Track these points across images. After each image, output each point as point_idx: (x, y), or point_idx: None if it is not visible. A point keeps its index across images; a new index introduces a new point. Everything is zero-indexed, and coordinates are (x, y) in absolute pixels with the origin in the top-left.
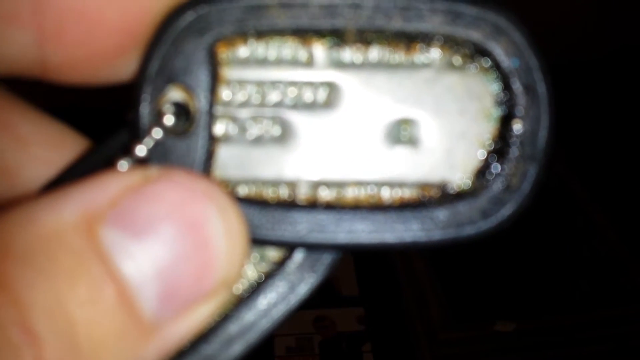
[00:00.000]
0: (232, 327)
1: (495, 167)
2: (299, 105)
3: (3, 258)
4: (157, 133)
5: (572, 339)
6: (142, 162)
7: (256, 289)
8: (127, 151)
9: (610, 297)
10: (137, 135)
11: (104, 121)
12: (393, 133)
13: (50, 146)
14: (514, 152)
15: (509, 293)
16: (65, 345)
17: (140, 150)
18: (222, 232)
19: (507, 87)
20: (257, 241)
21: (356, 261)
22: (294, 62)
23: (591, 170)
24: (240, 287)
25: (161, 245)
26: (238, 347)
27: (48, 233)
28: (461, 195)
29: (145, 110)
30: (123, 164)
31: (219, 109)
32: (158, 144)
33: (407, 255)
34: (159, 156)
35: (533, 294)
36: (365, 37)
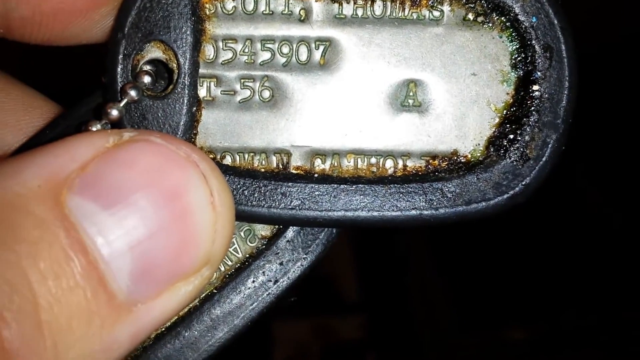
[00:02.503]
0: (216, 310)
1: (511, 135)
2: (292, 65)
3: None
4: (133, 93)
5: (585, 343)
6: (116, 125)
7: (243, 268)
8: (100, 113)
9: (628, 300)
10: (111, 96)
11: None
12: (398, 97)
13: (19, 112)
14: (532, 118)
15: (520, 298)
16: (26, 323)
17: (114, 111)
18: (205, 202)
19: (525, 46)
20: (245, 216)
21: (358, 264)
22: (288, 17)
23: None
24: (225, 266)
25: (135, 217)
26: (223, 332)
27: (10, 200)
28: (472, 167)
29: (120, 68)
30: (95, 127)
31: (202, 69)
32: (134, 105)
33: (413, 257)
34: (136, 119)
35: (545, 299)
36: None
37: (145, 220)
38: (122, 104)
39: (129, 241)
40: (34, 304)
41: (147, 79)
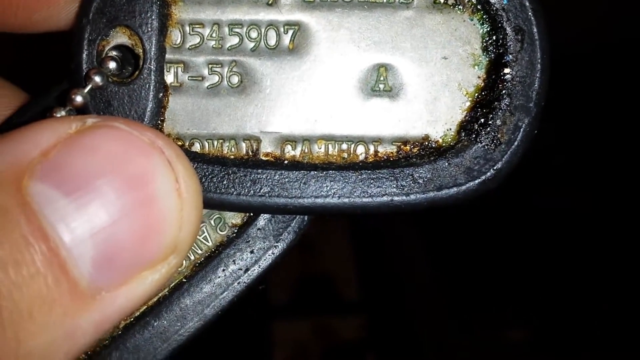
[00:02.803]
0: (186, 299)
1: (483, 119)
2: (261, 50)
3: None
4: (97, 79)
5: (586, 345)
6: (81, 112)
7: (214, 256)
8: (64, 100)
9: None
10: (76, 82)
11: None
12: (368, 82)
13: None
14: (503, 102)
15: (520, 298)
16: None
17: (78, 97)
18: (170, 188)
19: (496, 29)
20: (214, 203)
21: (358, 264)
22: (256, 1)
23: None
24: (195, 254)
25: (98, 203)
26: (193, 322)
27: None
28: (443, 152)
29: (85, 54)
30: (59, 114)
31: (169, 54)
32: (99, 91)
33: (413, 257)
34: (101, 105)
35: (546, 299)
36: None
37: (107, 207)
38: (86, 90)
39: (90, 228)
40: None
41: (112, 65)
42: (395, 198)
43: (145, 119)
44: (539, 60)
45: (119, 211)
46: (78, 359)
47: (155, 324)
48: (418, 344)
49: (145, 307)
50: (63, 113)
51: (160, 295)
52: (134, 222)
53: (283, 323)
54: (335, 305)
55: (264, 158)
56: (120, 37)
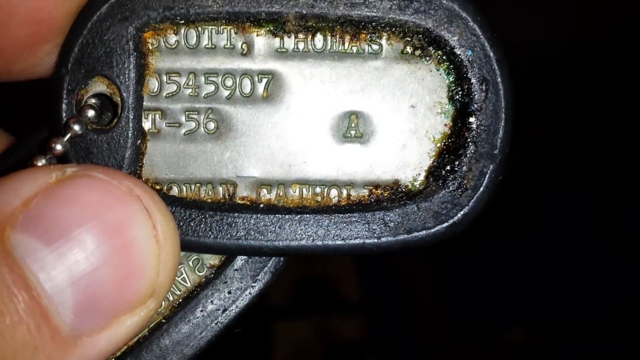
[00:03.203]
0: (165, 340)
1: (449, 166)
2: (236, 97)
3: None
4: (76, 128)
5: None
6: (62, 160)
7: (192, 297)
8: (45, 148)
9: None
10: (56, 131)
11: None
12: (340, 128)
13: None
14: (469, 149)
15: (520, 298)
16: None
17: (58, 146)
18: (148, 235)
19: (461, 79)
20: (192, 246)
21: (358, 264)
22: (230, 51)
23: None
24: (174, 296)
25: (77, 252)
26: None
27: None
28: (413, 196)
29: (64, 104)
30: (40, 162)
31: (147, 102)
32: (79, 139)
33: (413, 257)
34: (81, 153)
35: (547, 298)
36: (307, 24)
37: (87, 255)
38: (66, 139)
39: (70, 276)
40: None
41: (91, 113)
42: (367, 241)
43: (124, 166)
44: (503, 110)
45: (98, 259)
46: None
47: None
48: (418, 344)
49: (125, 348)
50: (44, 161)
51: (139, 335)
52: (113, 269)
53: (284, 323)
54: (335, 306)
55: (240, 202)
56: (99, 86)
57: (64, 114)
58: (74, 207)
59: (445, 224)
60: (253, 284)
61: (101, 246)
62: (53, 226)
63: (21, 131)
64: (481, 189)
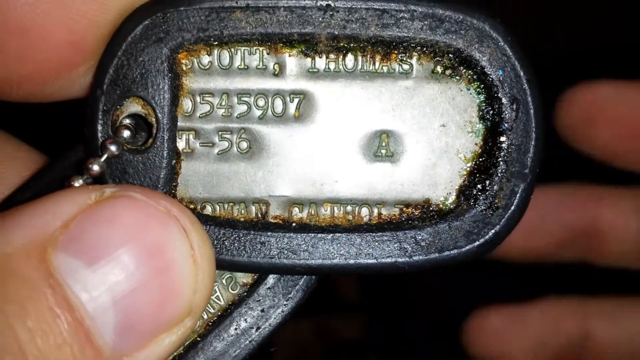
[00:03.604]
0: (200, 358)
1: (480, 185)
2: (268, 117)
3: None
4: (113, 148)
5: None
6: (98, 180)
7: (226, 315)
8: (81, 168)
9: None
10: (92, 151)
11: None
12: (371, 147)
13: (3, 163)
14: (500, 168)
15: (521, 299)
16: None
17: (95, 166)
18: (186, 255)
19: (492, 98)
20: (226, 265)
21: None
22: (263, 72)
23: None
24: (208, 314)
25: (118, 272)
26: None
27: None
28: (444, 215)
29: (100, 124)
30: (77, 183)
31: (181, 122)
32: (115, 160)
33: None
34: (117, 173)
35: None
36: (339, 45)
37: (127, 276)
38: (102, 159)
39: (112, 297)
40: None
41: (126, 134)
42: (399, 260)
43: (160, 186)
44: (534, 129)
45: (138, 279)
46: None
47: None
48: (418, 344)
49: None
50: (81, 182)
51: (175, 354)
52: (153, 289)
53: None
54: (335, 306)
55: (272, 220)
56: (134, 106)
57: (99, 135)
58: (114, 227)
59: (477, 243)
60: (285, 302)
61: (141, 267)
62: (94, 247)
63: (54, 151)
64: (512, 208)
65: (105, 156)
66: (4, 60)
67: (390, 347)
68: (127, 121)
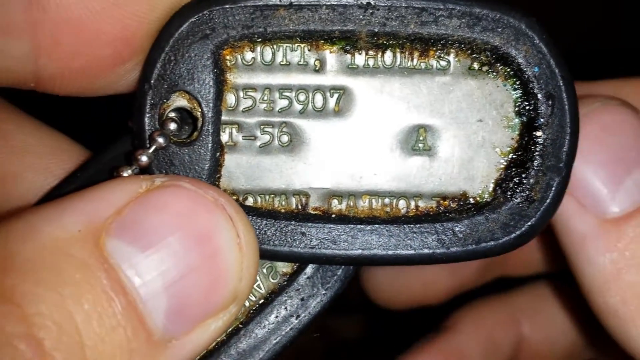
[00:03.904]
0: (242, 344)
1: (517, 178)
2: (308, 112)
3: (7, 270)
4: (160, 140)
5: None
6: (145, 170)
7: (267, 303)
8: (130, 159)
9: None
10: (140, 143)
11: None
12: (408, 141)
13: (47, 155)
14: (536, 162)
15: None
16: None
17: (144, 157)
18: (233, 243)
19: (528, 94)
20: (268, 254)
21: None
22: (304, 67)
23: None
24: (250, 302)
25: (169, 258)
26: None
27: (52, 244)
28: (480, 208)
29: (147, 117)
30: (126, 173)
31: (225, 116)
32: (162, 151)
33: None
34: (164, 165)
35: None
36: (378, 42)
37: (178, 262)
38: (150, 151)
39: (163, 282)
40: (80, 344)
41: (173, 126)
42: (437, 251)
43: (204, 177)
44: (569, 124)
45: (188, 265)
46: None
47: None
48: (418, 344)
49: (205, 352)
50: (129, 172)
51: (218, 340)
52: (202, 275)
53: None
54: (335, 305)
55: (312, 212)
56: (180, 100)
57: (147, 127)
58: (165, 215)
59: (513, 235)
60: (324, 292)
61: (191, 253)
62: (146, 233)
63: (95, 146)
64: (548, 200)
65: (153, 147)
66: (59, 55)
67: (390, 347)
68: (173, 114)
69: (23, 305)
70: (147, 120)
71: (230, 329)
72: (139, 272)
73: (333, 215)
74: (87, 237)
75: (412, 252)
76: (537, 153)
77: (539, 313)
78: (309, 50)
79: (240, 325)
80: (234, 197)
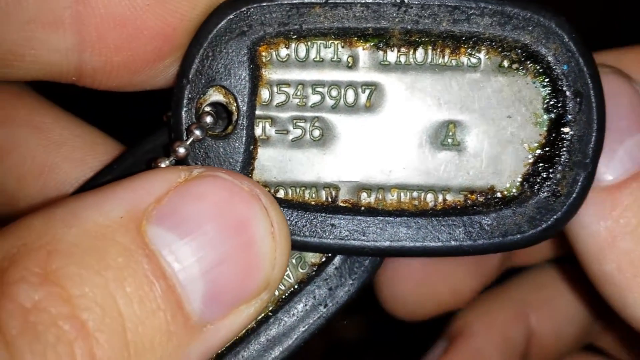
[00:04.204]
0: (271, 332)
1: (544, 173)
2: (340, 107)
3: (52, 254)
4: (197, 133)
5: None
6: (181, 162)
7: (295, 293)
8: (167, 151)
9: None
10: (178, 136)
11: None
12: (438, 136)
13: (82, 148)
14: (563, 158)
15: None
16: (115, 341)
17: (181, 149)
18: (267, 232)
19: (556, 91)
20: (298, 245)
21: None
22: (336, 64)
23: None
24: (279, 290)
25: (207, 245)
26: (277, 352)
27: (95, 230)
28: (507, 201)
29: (185, 111)
30: (164, 164)
31: (259, 110)
32: (198, 144)
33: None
34: (199, 157)
35: None
36: (410, 39)
37: (215, 249)
38: (188, 143)
39: (201, 268)
40: (122, 326)
41: (209, 120)
42: (464, 243)
43: (238, 169)
44: (596, 121)
45: (224, 252)
46: None
47: (244, 353)
48: (418, 344)
49: (235, 338)
50: (167, 163)
51: (248, 327)
52: (237, 262)
53: None
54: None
55: (342, 204)
56: (216, 95)
57: (184, 120)
58: (203, 204)
59: (539, 228)
60: (352, 282)
61: (228, 241)
62: (185, 221)
63: (128, 141)
64: (574, 195)
65: (190, 140)
66: (102, 49)
67: (390, 347)
68: (209, 109)
69: (67, 287)
70: (184, 114)
71: (260, 317)
72: (178, 258)
73: (362, 208)
74: (129, 223)
75: (439, 244)
76: (564, 149)
77: (545, 304)
78: (342, 47)
79: (270, 314)
80: (266, 189)
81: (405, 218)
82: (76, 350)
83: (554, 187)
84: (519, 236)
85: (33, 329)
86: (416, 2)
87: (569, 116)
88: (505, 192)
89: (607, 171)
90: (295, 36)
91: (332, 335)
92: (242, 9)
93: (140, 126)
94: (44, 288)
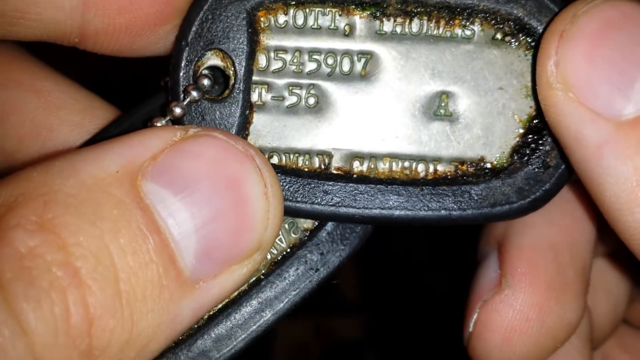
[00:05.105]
0: (263, 294)
1: (533, 145)
2: (336, 75)
3: (49, 203)
4: (194, 94)
5: None
6: (177, 122)
7: (288, 257)
8: (164, 111)
9: None
10: (175, 96)
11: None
12: (431, 107)
13: (80, 112)
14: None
15: None
16: (108, 290)
17: (178, 109)
18: (260, 192)
19: None
20: (290, 210)
21: (358, 264)
22: (333, 32)
23: None
24: (271, 254)
25: (201, 202)
26: (269, 315)
27: (92, 182)
28: (497, 172)
29: (183, 72)
30: (160, 123)
31: (255, 76)
32: (194, 106)
33: (414, 256)
34: (195, 119)
35: None
36: (407, 9)
37: (208, 206)
38: (185, 103)
39: (194, 224)
40: (115, 276)
41: (206, 82)
42: (453, 212)
43: (233, 133)
44: None
45: (217, 209)
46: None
47: (236, 315)
48: (418, 344)
49: (227, 300)
50: (163, 122)
51: (240, 290)
52: (230, 220)
53: (284, 323)
54: (335, 305)
55: (334, 172)
56: (214, 59)
57: (182, 82)
58: (198, 161)
59: (528, 199)
60: (343, 247)
61: (221, 198)
62: (180, 178)
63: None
64: (563, 166)
65: (187, 100)
66: (105, 10)
67: (390, 347)
68: (207, 72)
69: (63, 236)
70: (182, 75)
71: (252, 280)
72: (172, 213)
73: (354, 176)
74: (125, 177)
75: (429, 212)
76: None
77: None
78: (340, 15)
79: (262, 277)
80: None
81: (396, 186)
82: (69, 296)
83: (543, 158)
84: (507, 207)
85: (28, 274)
86: None
87: None
88: (495, 163)
89: (629, 103)
90: (293, 2)
91: (332, 335)
92: None
93: (138, 94)
94: (40, 235)
